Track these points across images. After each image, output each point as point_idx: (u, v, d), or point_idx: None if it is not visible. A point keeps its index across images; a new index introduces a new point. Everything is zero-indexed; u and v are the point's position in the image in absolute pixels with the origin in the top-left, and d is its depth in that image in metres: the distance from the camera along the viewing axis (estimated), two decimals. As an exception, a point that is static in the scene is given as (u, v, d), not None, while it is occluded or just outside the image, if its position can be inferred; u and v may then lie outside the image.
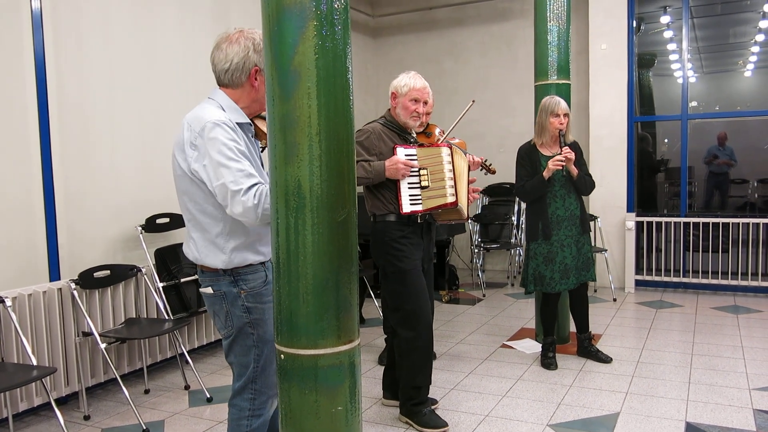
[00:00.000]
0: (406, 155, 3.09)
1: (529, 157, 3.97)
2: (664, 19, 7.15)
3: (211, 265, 2.13)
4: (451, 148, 3.14)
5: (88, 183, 3.80)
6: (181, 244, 4.20)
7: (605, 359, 4.16)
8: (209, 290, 2.18)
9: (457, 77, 7.66)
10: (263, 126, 2.21)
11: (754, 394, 3.56)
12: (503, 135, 7.46)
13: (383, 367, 3.63)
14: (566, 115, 3.91)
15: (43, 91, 3.53)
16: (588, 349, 4.24)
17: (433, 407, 3.29)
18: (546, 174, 3.82)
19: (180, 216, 4.21)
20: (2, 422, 3.23)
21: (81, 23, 3.77)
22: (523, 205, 7.07)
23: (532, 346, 4.55)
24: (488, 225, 7.20)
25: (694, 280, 6.22)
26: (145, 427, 3.24)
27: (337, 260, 1.77)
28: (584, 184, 3.97)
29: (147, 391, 3.82)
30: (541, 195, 3.92)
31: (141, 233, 3.97)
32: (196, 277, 4.14)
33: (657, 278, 6.35)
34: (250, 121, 2.17)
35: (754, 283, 5.98)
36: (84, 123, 3.79)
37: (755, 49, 10.19)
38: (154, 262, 4.01)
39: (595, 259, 4.11)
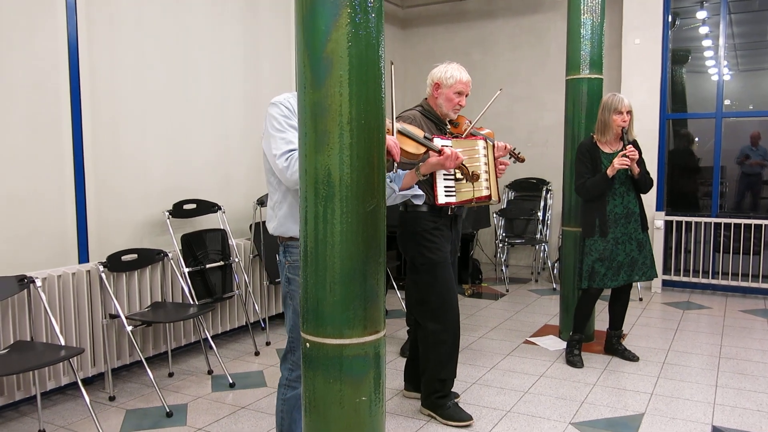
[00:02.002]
0: (442, 146, 3.05)
1: (590, 154, 3.92)
2: (701, 15, 6.98)
3: (269, 230, 2.34)
4: (486, 141, 3.11)
5: (117, 168, 3.84)
6: (207, 231, 4.26)
7: (632, 358, 4.10)
8: (279, 256, 2.36)
9: (486, 70, 7.58)
10: None
11: (783, 399, 3.48)
12: (531, 129, 7.38)
13: (405, 359, 3.62)
14: (629, 112, 3.85)
15: (75, 76, 3.57)
16: (616, 347, 4.19)
17: (455, 401, 3.28)
18: (610, 172, 3.77)
19: (205, 202, 4.27)
20: (31, 400, 3.30)
21: (113, 8, 3.79)
22: (550, 201, 7.01)
23: (555, 344, 4.51)
24: (513, 220, 7.14)
25: (723, 282, 6.10)
26: (169, 410, 3.28)
27: (365, 250, 1.76)
28: (645, 182, 3.93)
29: (171, 375, 3.87)
30: (602, 193, 3.87)
31: (168, 218, 4.00)
32: (221, 263, 4.20)
33: (685, 279, 6.24)
34: None
35: (786, 287, 5.84)
36: (115, 108, 3.82)
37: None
38: (180, 248, 4.04)
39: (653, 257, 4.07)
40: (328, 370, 1.77)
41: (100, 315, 3.53)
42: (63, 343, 3.07)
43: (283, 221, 2.27)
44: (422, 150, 2.69)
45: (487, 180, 3.09)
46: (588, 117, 4.42)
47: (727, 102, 8.71)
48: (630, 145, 3.81)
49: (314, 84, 1.72)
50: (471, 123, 3.40)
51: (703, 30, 7.29)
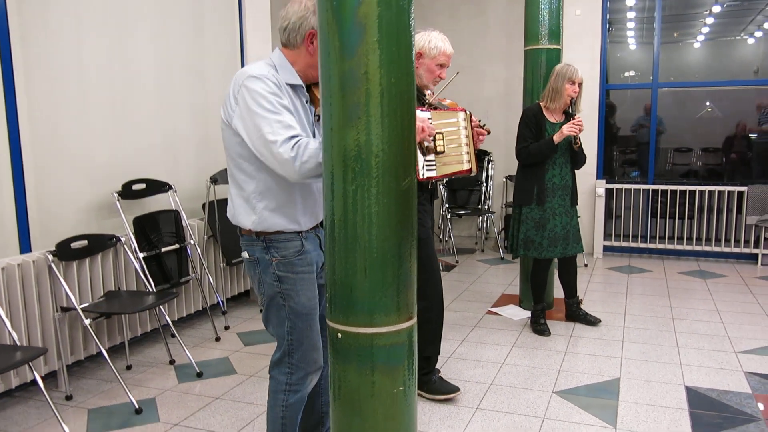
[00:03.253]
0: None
1: (536, 119, 3.90)
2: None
3: (242, 225, 2.06)
4: (466, 112, 3.01)
5: (58, 149, 3.48)
6: (160, 212, 3.98)
7: (594, 321, 4.21)
8: (245, 255, 2.10)
9: (453, 38, 7.45)
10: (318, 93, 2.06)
11: (741, 357, 3.66)
12: (472, 100, 7.36)
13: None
14: (580, 84, 3.86)
15: (5, 41, 3.18)
16: (577, 313, 4.28)
17: (438, 375, 3.24)
18: (557, 138, 3.78)
19: (155, 182, 3.97)
20: (-21, 406, 2.98)
21: (47, -33, 3.40)
22: (492, 171, 7.07)
23: (517, 313, 4.56)
24: (457, 191, 7.17)
25: (660, 246, 6.38)
26: (138, 406, 3.05)
27: (401, 231, 1.64)
28: (583, 157, 3.97)
29: (129, 367, 3.60)
30: (543, 159, 3.87)
31: (118, 200, 3.69)
32: (177, 245, 3.93)
33: (624, 244, 6.48)
34: (302, 83, 2.04)
35: (717, 249, 6.18)
36: (52, 82, 3.44)
37: (710, 20, 10.44)
38: (133, 231, 3.75)
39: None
40: (363, 361, 1.65)
41: (51, 308, 3.22)
42: (18, 343, 2.77)
43: (267, 215, 2.01)
44: None
45: (468, 153, 3.02)
46: (546, 87, 4.42)
47: (631, 73, 9.09)
48: (578, 116, 3.85)
49: (344, 52, 1.56)
50: (433, 94, 3.31)
51: (629, 2, 7.49)
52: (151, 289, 3.63)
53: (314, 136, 2.05)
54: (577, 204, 4.08)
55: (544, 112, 3.93)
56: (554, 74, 3.93)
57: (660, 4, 6.38)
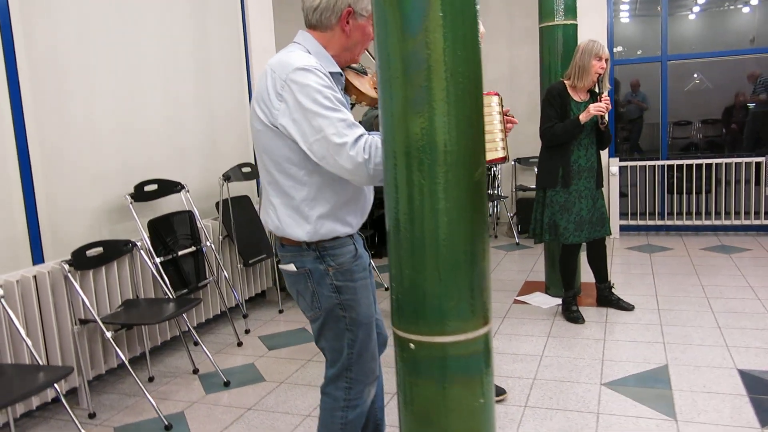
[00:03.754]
0: None
1: (561, 98, 3.73)
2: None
3: (293, 237, 1.82)
4: (498, 96, 2.84)
5: (66, 150, 3.29)
6: (175, 214, 3.80)
7: (627, 307, 4.07)
8: (291, 267, 1.87)
9: None
10: (355, 79, 1.87)
11: (786, 335, 3.54)
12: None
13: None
14: (607, 59, 3.69)
15: (10, 48, 2.98)
16: (609, 298, 4.14)
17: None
18: (584, 118, 3.61)
19: (167, 182, 3.79)
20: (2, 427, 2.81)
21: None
22: (524, 151, 6.84)
23: (545, 300, 4.42)
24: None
25: (678, 222, 6.25)
26: (167, 422, 2.89)
27: (474, 227, 1.48)
28: (609, 137, 3.81)
29: (151, 379, 3.44)
30: (569, 140, 3.71)
31: (131, 203, 3.50)
32: (193, 248, 3.76)
33: (641, 222, 6.35)
34: (341, 70, 1.83)
35: (737, 222, 6.06)
36: (58, 79, 3.24)
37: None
38: (148, 235, 3.57)
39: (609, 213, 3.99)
40: (439, 372, 1.49)
41: (69, 321, 3.05)
42: (40, 361, 2.60)
43: (323, 222, 1.79)
44: None
45: (502, 140, 2.84)
46: (564, 64, 4.24)
47: (619, 48, 8.96)
48: (605, 95, 3.70)
49: (406, 31, 1.38)
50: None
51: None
52: (170, 296, 3.46)
53: None
54: (602, 186, 3.92)
55: (569, 91, 3.76)
56: (579, 51, 3.76)
57: (668, -26, 6.20)
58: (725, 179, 6.08)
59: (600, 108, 3.59)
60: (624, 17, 10.20)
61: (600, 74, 3.69)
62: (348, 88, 1.86)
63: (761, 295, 4.23)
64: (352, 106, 1.88)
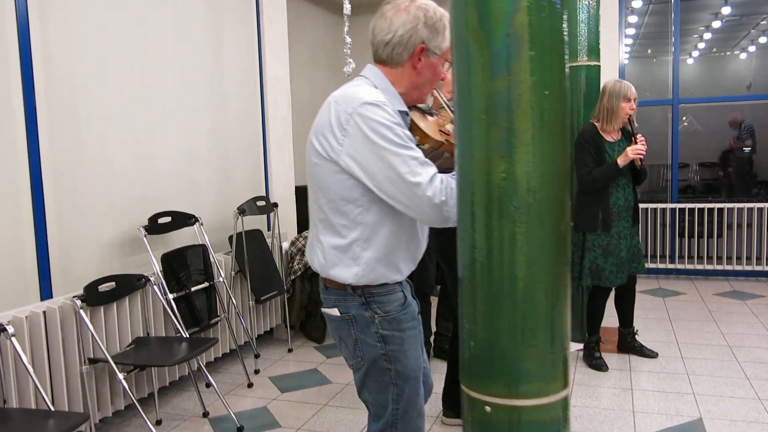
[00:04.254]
0: None
1: (594, 141, 3.66)
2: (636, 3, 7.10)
3: (338, 279, 1.71)
4: None
5: (79, 178, 3.16)
6: (188, 248, 3.66)
7: (651, 354, 3.96)
8: (335, 312, 1.76)
9: None
10: (420, 120, 1.77)
11: (818, 388, 3.43)
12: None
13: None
14: (635, 99, 3.64)
15: (27, 65, 2.88)
16: (632, 344, 4.02)
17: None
18: (622, 162, 3.54)
19: (181, 214, 3.66)
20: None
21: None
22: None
23: (563, 345, 4.28)
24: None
25: (689, 267, 6.17)
26: (180, 471, 2.71)
27: (559, 281, 1.37)
28: (645, 172, 3.75)
29: (159, 422, 3.26)
30: (608, 183, 3.63)
31: (144, 236, 3.36)
32: (206, 284, 3.61)
33: (652, 265, 6.27)
34: (407, 110, 1.74)
35: (748, 268, 6.00)
36: (74, 107, 3.13)
37: (707, 36, 10.45)
38: (161, 269, 3.42)
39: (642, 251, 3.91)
40: (518, 439, 1.37)
41: (77, 361, 2.88)
42: (52, 407, 2.43)
43: (373, 266, 1.70)
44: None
45: None
46: (587, 105, 4.21)
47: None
48: (640, 135, 3.65)
49: (493, 69, 1.28)
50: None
51: (632, 19, 7.41)
52: (183, 334, 3.30)
53: None
54: (638, 222, 3.84)
55: (600, 132, 3.70)
56: (606, 93, 3.70)
57: (678, 18, 6.25)
58: (736, 223, 6.03)
59: (638, 150, 3.53)
60: (626, 59, 10.31)
61: (630, 115, 3.63)
62: (412, 129, 1.76)
63: (785, 345, 4.13)
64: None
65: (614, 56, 6.17)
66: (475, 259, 1.37)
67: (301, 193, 5.22)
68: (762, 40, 10.34)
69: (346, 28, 3.78)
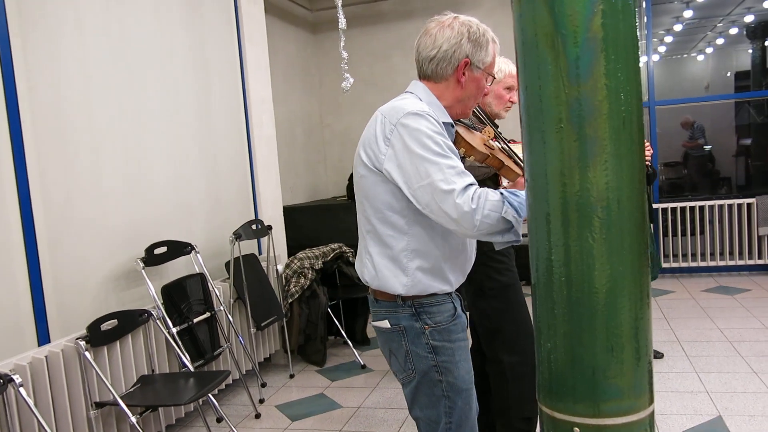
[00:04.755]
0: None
1: None
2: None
3: (389, 290, 1.70)
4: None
5: (71, 212, 3.01)
6: (187, 278, 3.51)
7: (657, 355, 3.97)
8: (385, 324, 1.74)
9: (409, 74, 7.20)
10: (465, 134, 1.77)
11: (826, 378, 3.48)
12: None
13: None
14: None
15: (12, 97, 2.72)
16: (638, 349, 4.03)
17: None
18: None
19: (176, 243, 3.52)
20: None
21: (48, 10, 2.96)
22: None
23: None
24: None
25: (674, 265, 6.26)
26: None
27: (643, 291, 1.32)
28: (654, 173, 3.80)
29: (169, 462, 3.10)
30: None
31: (143, 268, 3.21)
32: (207, 314, 3.47)
33: (637, 265, 6.31)
34: (453, 122, 1.74)
35: (731, 263, 6.11)
36: (61, 136, 2.99)
37: (668, 39, 10.73)
38: (162, 302, 3.27)
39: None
40: (611, 461, 1.31)
41: (83, 406, 2.71)
42: (68, 458, 2.26)
43: (420, 277, 1.69)
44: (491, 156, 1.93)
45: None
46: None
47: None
48: (646, 141, 3.69)
49: (573, 76, 1.24)
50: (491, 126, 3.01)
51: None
52: (189, 368, 3.15)
53: None
54: (653, 222, 3.86)
55: None
56: None
57: (651, 21, 6.38)
58: (718, 219, 6.15)
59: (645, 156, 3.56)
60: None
61: None
62: (458, 141, 1.74)
63: (783, 337, 4.20)
64: (462, 159, 1.74)
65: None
66: (553, 274, 1.32)
67: (289, 214, 5.10)
68: (719, 41, 10.68)
69: (342, 44, 3.71)
